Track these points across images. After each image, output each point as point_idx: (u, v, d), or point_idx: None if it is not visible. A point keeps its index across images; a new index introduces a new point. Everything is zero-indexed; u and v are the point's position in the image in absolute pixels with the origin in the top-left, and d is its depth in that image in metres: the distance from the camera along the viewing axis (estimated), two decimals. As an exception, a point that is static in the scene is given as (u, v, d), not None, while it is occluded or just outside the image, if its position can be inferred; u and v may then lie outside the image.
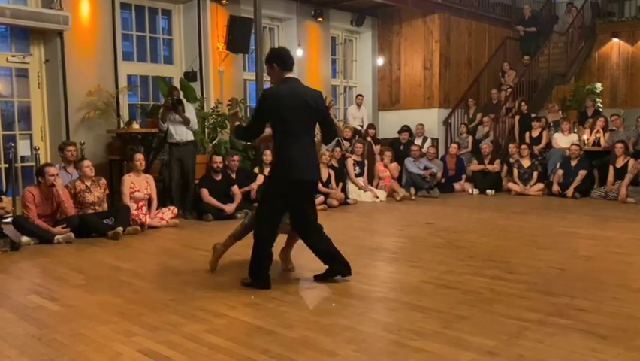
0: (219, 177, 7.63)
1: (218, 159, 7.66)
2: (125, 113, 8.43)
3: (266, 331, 3.23)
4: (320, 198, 8.34)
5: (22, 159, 7.78)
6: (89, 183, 6.52)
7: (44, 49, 7.84)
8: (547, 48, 12.76)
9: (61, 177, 6.54)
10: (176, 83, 8.76)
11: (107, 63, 8.19)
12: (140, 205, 6.86)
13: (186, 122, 7.61)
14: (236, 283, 4.27)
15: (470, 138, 11.22)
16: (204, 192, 7.46)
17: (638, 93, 12.55)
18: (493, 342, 3.00)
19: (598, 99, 12.00)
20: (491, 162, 10.18)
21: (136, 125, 7.97)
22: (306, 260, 4.56)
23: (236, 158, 7.94)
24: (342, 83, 12.33)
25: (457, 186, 10.32)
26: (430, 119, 11.54)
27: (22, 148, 7.77)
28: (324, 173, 8.57)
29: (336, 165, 8.87)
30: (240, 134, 4.36)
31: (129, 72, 8.84)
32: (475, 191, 9.99)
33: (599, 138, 9.89)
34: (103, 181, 6.72)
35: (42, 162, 7.17)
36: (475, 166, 10.31)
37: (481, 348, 2.93)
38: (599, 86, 12.39)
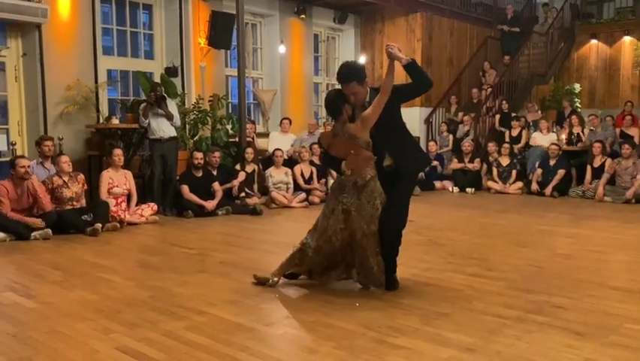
0: (200, 174, 7.57)
1: (199, 155, 7.60)
2: (104, 108, 8.33)
3: (246, 328, 3.21)
4: (302, 195, 8.34)
5: (-1, 153, 7.65)
6: (66, 179, 6.43)
7: (22, 42, 7.69)
8: (527, 48, 12.89)
9: (38, 172, 6.44)
10: (157, 79, 8.67)
11: (86, 57, 8.07)
12: (119, 202, 6.78)
13: (170, 117, 7.54)
14: (216, 279, 4.25)
15: (451, 137, 11.29)
16: (185, 188, 7.40)
17: (616, 94, 12.75)
18: (472, 339, 3.02)
19: (576, 99, 12.16)
20: (471, 161, 10.26)
21: (115, 121, 7.89)
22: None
23: (217, 154, 7.88)
24: (325, 80, 12.29)
25: (437, 184, 10.38)
26: (411, 118, 11.55)
27: (-1, 143, 7.63)
28: (307, 170, 8.58)
29: (317, 162, 8.86)
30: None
31: (109, 67, 8.72)
32: (456, 189, 10.06)
33: (578, 133, 10.03)
34: (81, 177, 6.63)
35: (19, 157, 7.04)
36: (455, 165, 10.39)
37: (460, 345, 2.95)
38: (577, 87, 12.57)
